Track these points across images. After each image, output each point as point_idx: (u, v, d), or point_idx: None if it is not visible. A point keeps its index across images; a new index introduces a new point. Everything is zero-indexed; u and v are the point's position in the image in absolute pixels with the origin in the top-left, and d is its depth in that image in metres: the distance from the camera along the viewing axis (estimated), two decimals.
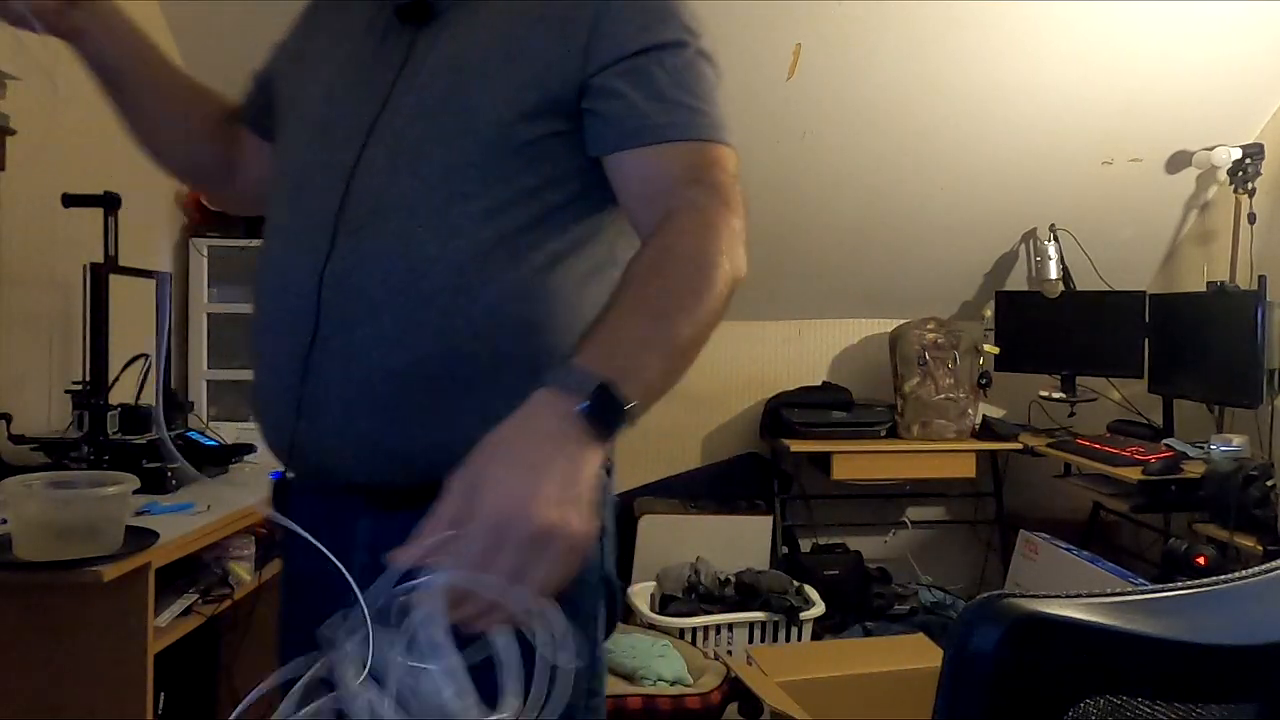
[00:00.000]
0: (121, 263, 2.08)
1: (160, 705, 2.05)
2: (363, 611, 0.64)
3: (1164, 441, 3.16)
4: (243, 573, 1.91)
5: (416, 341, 0.90)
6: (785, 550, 3.61)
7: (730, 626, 3.10)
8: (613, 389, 0.70)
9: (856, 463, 3.44)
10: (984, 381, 3.59)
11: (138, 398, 2.10)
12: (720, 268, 0.82)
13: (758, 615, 3.10)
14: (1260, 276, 2.95)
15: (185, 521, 1.70)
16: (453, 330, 0.90)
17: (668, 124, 0.90)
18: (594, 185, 0.95)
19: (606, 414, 0.70)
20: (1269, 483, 2.54)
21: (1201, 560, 2.49)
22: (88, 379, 1.99)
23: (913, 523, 3.93)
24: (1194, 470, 2.81)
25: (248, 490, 1.99)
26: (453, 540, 0.63)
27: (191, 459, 2.04)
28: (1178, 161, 3.41)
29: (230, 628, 1.94)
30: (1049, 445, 3.39)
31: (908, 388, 3.55)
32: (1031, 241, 3.65)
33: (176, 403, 2.30)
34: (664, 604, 3.19)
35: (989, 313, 3.72)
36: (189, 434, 2.17)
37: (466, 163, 0.91)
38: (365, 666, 0.64)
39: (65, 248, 2.24)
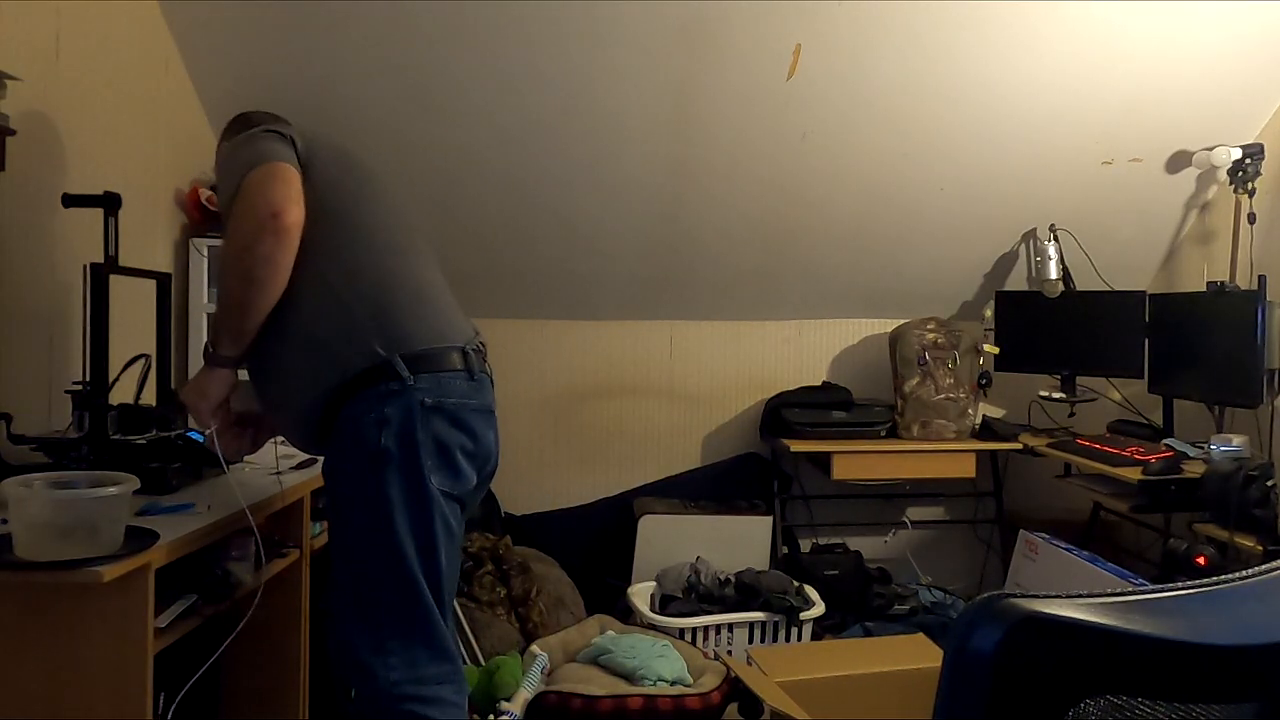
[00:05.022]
0: (121, 263, 2.08)
1: (160, 705, 2.04)
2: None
3: (1164, 441, 3.16)
4: (243, 573, 1.91)
5: None
6: (785, 550, 3.61)
7: (730, 626, 3.10)
8: (209, 344, 1.72)
9: (856, 463, 3.44)
10: (984, 381, 3.59)
11: (138, 398, 2.10)
12: (230, 255, 1.70)
13: (758, 615, 3.10)
14: (1260, 276, 2.95)
15: (185, 521, 1.70)
16: None
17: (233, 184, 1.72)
18: None
19: (208, 356, 1.72)
20: (1269, 483, 2.54)
21: (1201, 560, 2.49)
22: (88, 379, 1.99)
23: (913, 523, 3.93)
24: (1194, 470, 2.81)
25: (248, 490, 1.99)
26: None
27: (191, 459, 2.04)
28: (1178, 161, 3.41)
29: (230, 628, 1.94)
30: (1049, 445, 3.39)
31: (908, 388, 3.55)
32: (1031, 241, 3.65)
33: (177, 403, 2.29)
34: (664, 604, 3.19)
35: (989, 313, 3.72)
36: (189, 434, 2.16)
37: None
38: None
39: (65, 248, 2.24)
